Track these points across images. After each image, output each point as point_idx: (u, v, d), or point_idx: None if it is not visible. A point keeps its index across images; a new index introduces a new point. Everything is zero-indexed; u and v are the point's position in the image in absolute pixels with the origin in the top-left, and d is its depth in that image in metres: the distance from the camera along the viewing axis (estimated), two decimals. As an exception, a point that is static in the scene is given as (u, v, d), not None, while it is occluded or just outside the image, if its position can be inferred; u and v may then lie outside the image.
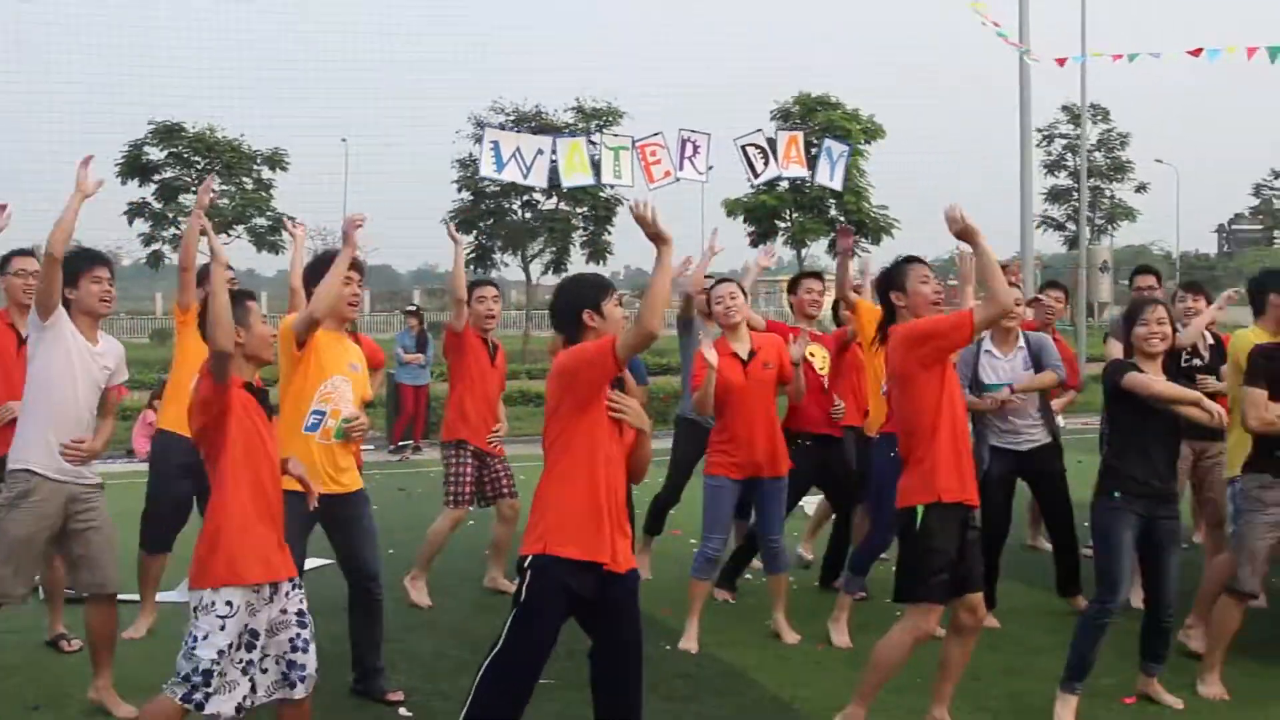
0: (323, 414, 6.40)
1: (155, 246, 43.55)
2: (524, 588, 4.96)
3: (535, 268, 45.57)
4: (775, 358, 7.66)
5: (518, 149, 14.79)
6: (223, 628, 4.96)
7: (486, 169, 15.22)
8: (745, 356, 7.63)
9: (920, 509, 5.74)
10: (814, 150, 16.59)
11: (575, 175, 15.13)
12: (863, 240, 43.69)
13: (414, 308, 22.37)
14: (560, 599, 4.95)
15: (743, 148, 15.64)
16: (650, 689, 6.68)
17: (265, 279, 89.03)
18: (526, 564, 4.97)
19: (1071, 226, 46.22)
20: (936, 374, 5.78)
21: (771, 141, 15.23)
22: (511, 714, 4.95)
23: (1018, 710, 6.40)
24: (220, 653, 4.93)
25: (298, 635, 5.21)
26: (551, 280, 52.58)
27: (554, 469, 5.05)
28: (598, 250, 44.75)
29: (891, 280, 6.32)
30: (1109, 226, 53.17)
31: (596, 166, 14.73)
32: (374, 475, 12.41)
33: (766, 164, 16.16)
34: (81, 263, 6.52)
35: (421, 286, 77.77)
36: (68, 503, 6.37)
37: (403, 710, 6.52)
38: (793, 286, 8.97)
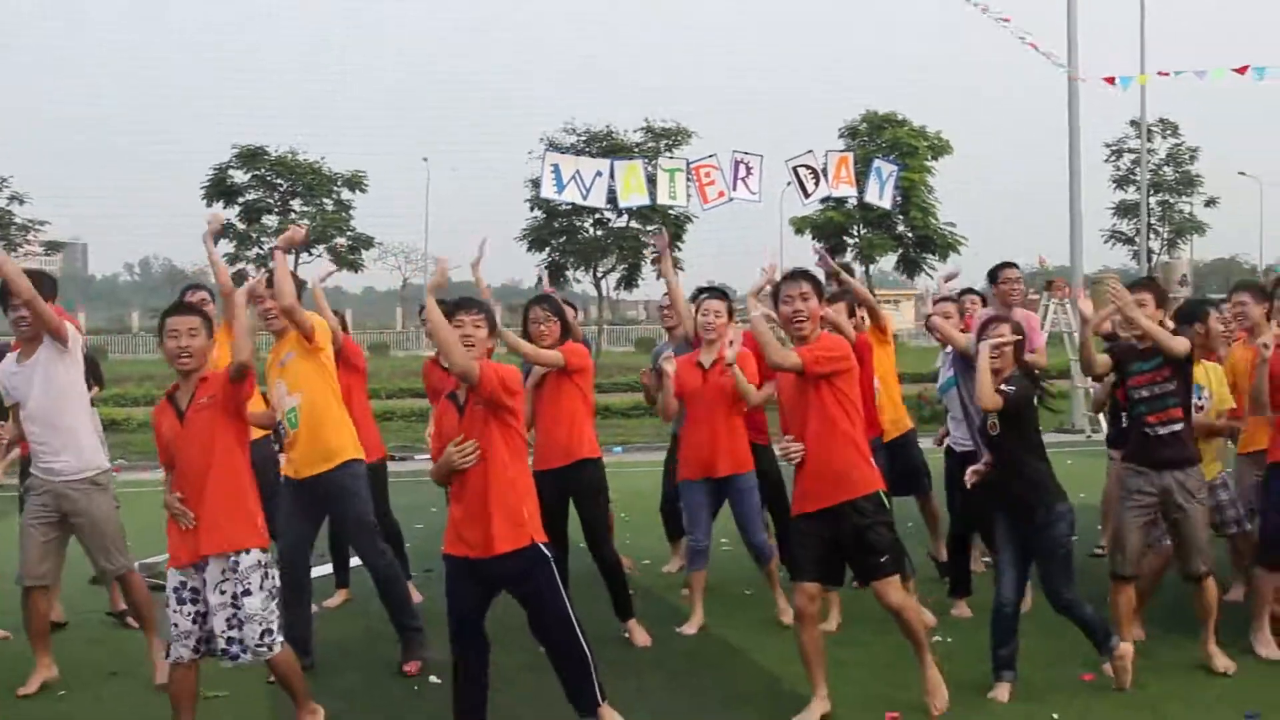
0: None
1: (240, 266, 44.82)
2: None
3: (606, 284, 46.43)
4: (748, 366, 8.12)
5: (577, 171, 15.52)
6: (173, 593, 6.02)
7: (547, 190, 15.95)
8: (707, 365, 8.33)
9: None
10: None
11: (632, 196, 15.85)
12: (929, 256, 44.21)
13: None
14: None
15: (794, 169, 16.30)
16: (656, 665, 7.55)
17: (352, 296, 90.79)
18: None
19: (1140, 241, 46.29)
20: None
21: (823, 168, 15.92)
22: None
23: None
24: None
25: (232, 615, 6.00)
26: (624, 296, 53.45)
27: None
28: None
29: None
30: (1178, 240, 53.19)
31: (654, 186, 15.46)
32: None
33: (817, 184, 16.84)
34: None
35: (503, 303, 78.82)
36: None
37: (433, 678, 7.25)
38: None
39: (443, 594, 8.67)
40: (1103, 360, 7.30)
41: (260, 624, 6.00)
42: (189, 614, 6.00)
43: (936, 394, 8.81)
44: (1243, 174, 71.19)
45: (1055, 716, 6.49)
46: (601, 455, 8.21)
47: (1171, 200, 52.35)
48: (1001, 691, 6.80)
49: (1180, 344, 7.02)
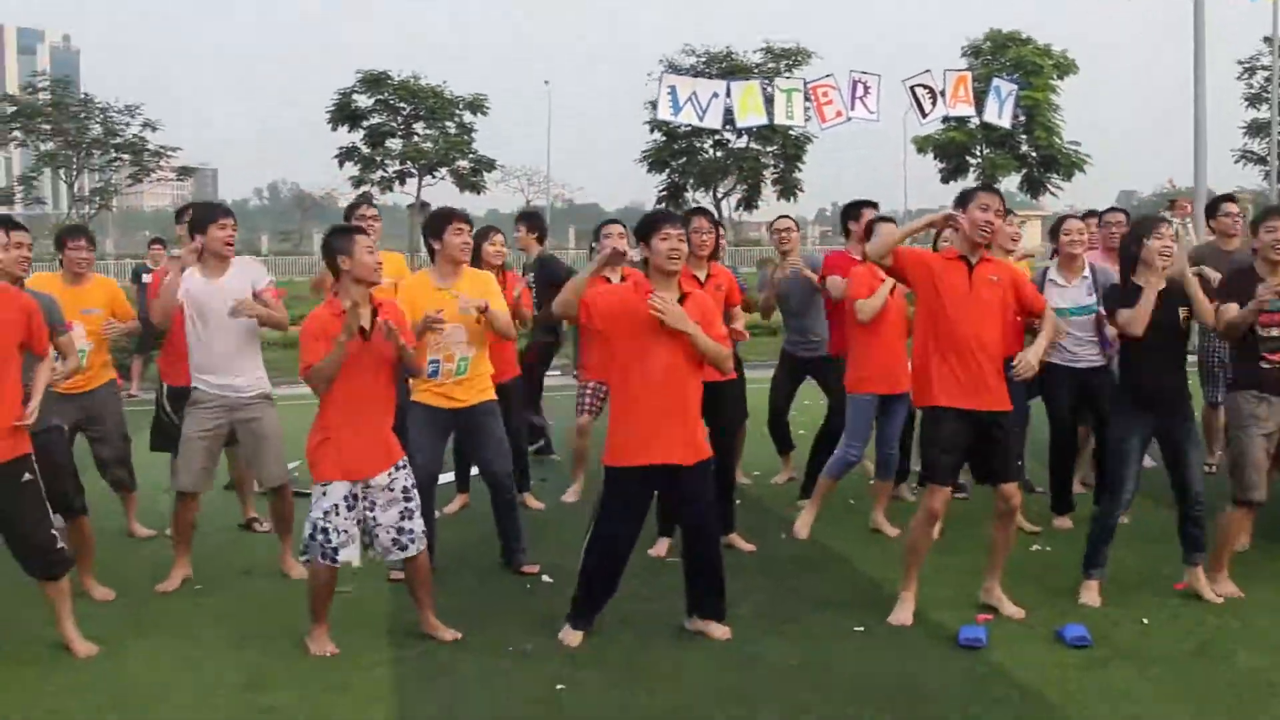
0: (437, 362, 7.63)
1: (365, 188, 45.62)
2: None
3: (726, 205, 46.52)
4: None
5: (694, 93, 15.73)
6: (327, 501, 6.38)
7: (664, 112, 16.23)
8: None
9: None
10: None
11: (750, 116, 16.03)
12: (1054, 176, 43.69)
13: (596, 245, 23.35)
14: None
15: (911, 89, 16.32)
16: (761, 570, 7.87)
17: (477, 218, 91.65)
18: None
19: (1277, 162, 45.21)
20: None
21: (941, 89, 15.91)
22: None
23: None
24: (325, 513, 6.34)
25: (405, 508, 6.48)
26: (745, 216, 53.45)
27: None
28: (788, 188, 45.51)
29: None
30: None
31: (771, 107, 15.58)
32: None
33: (935, 104, 16.85)
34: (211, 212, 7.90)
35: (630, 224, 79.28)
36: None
37: (545, 577, 7.68)
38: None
39: (560, 503, 9.15)
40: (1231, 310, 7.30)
41: (420, 513, 6.56)
42: (355, 520, 6.43)
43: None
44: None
45: (1145, 620, 6.69)
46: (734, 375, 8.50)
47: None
48: (1091, 593, 7.04)
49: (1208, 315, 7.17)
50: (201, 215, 7.84)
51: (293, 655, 6.42)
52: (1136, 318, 6.88)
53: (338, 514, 6.35)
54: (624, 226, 9.15)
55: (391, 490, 6.45)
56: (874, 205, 9.35)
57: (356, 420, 6.35)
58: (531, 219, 11.27)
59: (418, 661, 6.34)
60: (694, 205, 47.83)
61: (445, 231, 7.63)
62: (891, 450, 8.79)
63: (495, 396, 7.90)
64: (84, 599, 7.22)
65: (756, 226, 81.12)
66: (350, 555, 6.42)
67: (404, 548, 6.50)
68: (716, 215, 30.30)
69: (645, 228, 6.47)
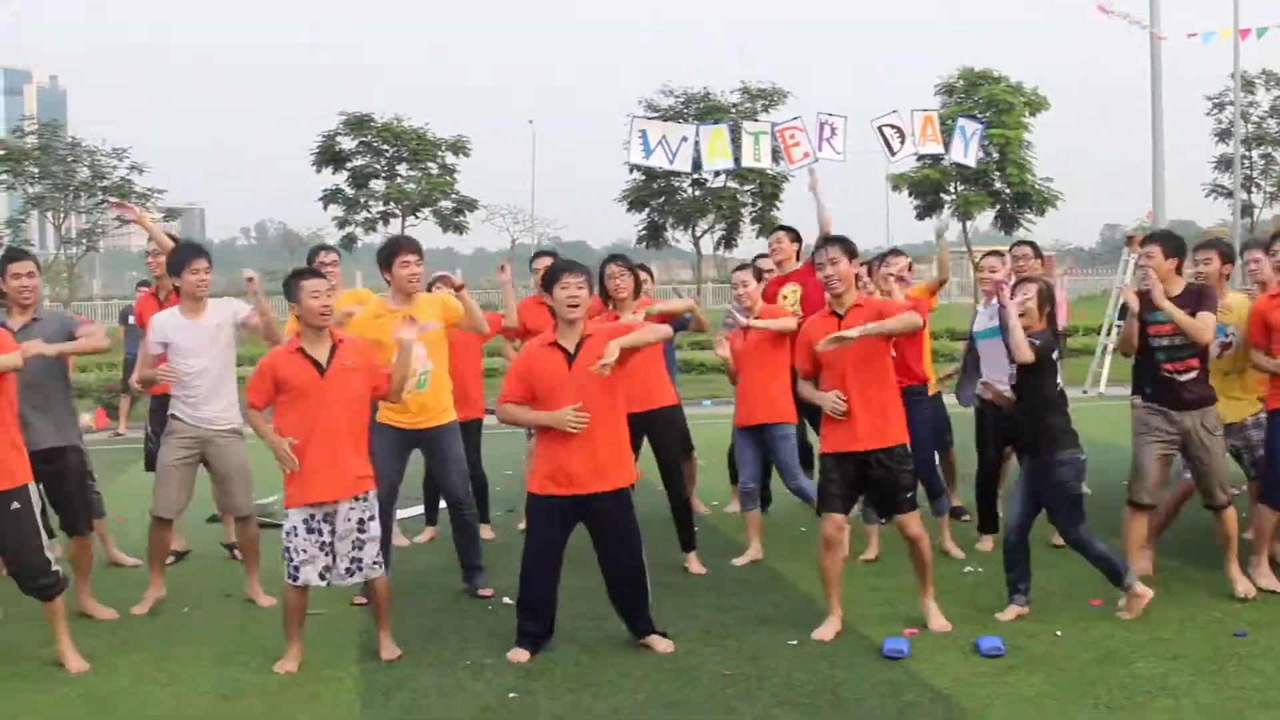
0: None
1: (349, 229, 46.16)
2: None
3: (705, 244, 47.09)
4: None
5: (664, 136, 16.20)
6: (288, 523, 6.94)
7: (635, 156, 16.68)
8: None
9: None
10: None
11: (717, 160, 16.51)
12: (1026, 212, 44.30)
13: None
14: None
15: (879, 128, 16.86)
16: (708, 589, 8.45)
17: (463, 257, 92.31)
18: None
19: (1243, 195, 45.90)
20: None
21: (908, 127, 16.43)
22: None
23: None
24: (287, 534, 6.90)
25: (357, 539, 6.97)
26: (723, 255, 54.10)
27: None
28: (766, 225, 46.05)
29: None
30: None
31: (739, 149, 16.09)
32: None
33: (902, 143, 17.38)
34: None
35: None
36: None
37: (505, 599, 8.11)
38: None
39: (516, 531, 9.67)
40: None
41: (376, 545, 7.05)
42: (316, 542, 6.94)
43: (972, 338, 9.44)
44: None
45: (1058, 633, 7.21)
46: (677, 402, 9.09)
47: (1274, 153, 51.69)
48: (1008, 612, 7.54)
49: (1203, 334, 7.61)
50: (176, 259, 8.34)
51: (267, 671, 6.94)
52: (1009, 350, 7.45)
53: (296, 535, 6.90)
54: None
55: (349, 521, 6.96)
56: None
57: (317, 449, 6.86)
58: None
59: (381, 675, 6.86)
60: (672, 243, 48.58)
61: (393, 264, 8.10)
62: (792, 481, 9.28)
63: (455, 418, 8.40)
64: (81, 618, 7.86)
65: (736, 264, 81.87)
66: (309, 575, 6.92)
67: (352, 574, 7.02)
68: (698, 253, 30.21)
69: (548, 279, 7.02)
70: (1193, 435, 7.76)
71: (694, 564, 8.94)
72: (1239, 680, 6.38)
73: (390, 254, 8.14)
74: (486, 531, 10.04)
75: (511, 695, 6.47)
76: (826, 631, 7.30)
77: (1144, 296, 7.83)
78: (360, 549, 7.00)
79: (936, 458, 9.67)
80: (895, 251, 9.89)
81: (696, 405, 19.26)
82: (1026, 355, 7.27)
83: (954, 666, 6.72)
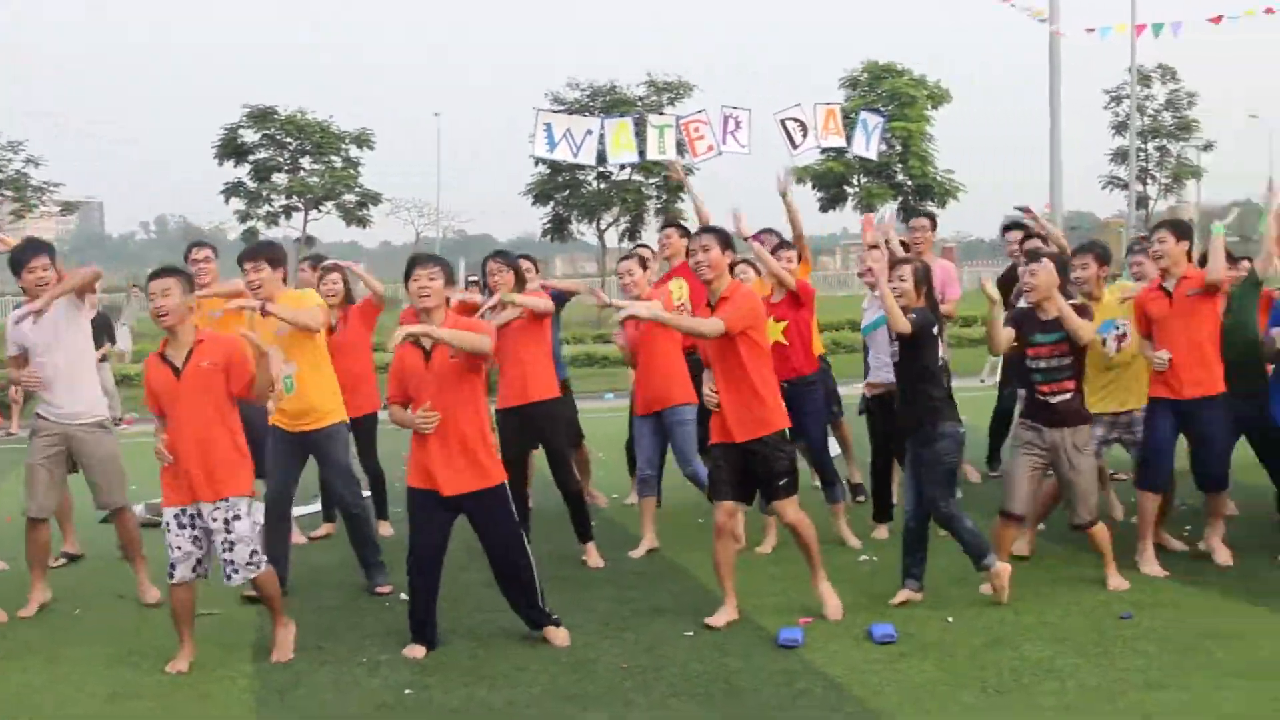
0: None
1: (250, 223, 45.74)
2: None
3: (610, 237, 47.12)
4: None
5: (568, 130, 16.21)
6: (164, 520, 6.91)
7: (539, 149, 16.65)
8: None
9: None
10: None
11: (622, 153, 16.53)
12: (929, 204, 44.82)
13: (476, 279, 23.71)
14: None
15: (781, 122, 16.93)
16: (606, 581, 8.47)
17: (368, 250, 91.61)
18: None
19: (1138, 187, 46.82)
20: None
21: (811, 121, 16.49)
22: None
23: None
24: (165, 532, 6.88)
25: (225, 540, 6.87)
26: (626, 247, 54.17)
27: None
28: (671, 218, 46.17)
29: None
30: (1174, 186, 53.59)
31: (644, 143, 16.10)
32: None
33: (805, 137, 17.48)
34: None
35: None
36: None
37: (403, 595, 7.91)
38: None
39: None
40: (1006, 336, 7.89)
41: (248, 545, 6.90)
42: (189, 537, 6.87)
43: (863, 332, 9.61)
44: (1254, 116, 71.70)
45: (950, 619, 7.32)
46: (559, 395, 9.07)
47: (1169, 145, 52.74)
48: (900, 596, 7.66)
49: (1087, 332, 7.69)
50: (15, 258, 8.19)
51: (159, 671, 6.87)
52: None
53: (170, 532, 6.86)
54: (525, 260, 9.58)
55: (215, 521, 6.86)
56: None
57: (180, 449, 6.82)
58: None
59: (276, 673, 6.82)
60: (577, 236, 48.56)
61: (243, 274, 8.19)
62: (686, 467, 9.35)
63: (336, 421, 8.35)
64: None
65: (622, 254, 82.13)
66: (183, 573, 6.88)
67: (228, 577, 6.94)
68: (603, 246, 30.18)
69: (406, 273, 7.10)
70: (1061, 452, 7.78)
71: (593, 556, 8.96)
72: (1124, 662, 6.51)
73: (240, 263, 8.24)
74: (385, 528, 10.01)
75: (407, 691, 6.45)
76: (720, 619, 7.35)
77: (1028, 314, 7.92)
78: (230, 550, 6.88)
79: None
80: (785, 244, 9.84)
81: (598, 399, 19.35)
82: (903, 326, 7.42)
83: (847, 654, 6.80)
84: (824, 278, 60.76)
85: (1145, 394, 8.46)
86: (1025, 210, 10.11)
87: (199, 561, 6.92)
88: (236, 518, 6.88)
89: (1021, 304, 8.09)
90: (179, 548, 6.86)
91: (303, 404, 8.20)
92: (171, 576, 6.89)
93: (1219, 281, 7.99)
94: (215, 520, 6.85)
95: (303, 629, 7.30)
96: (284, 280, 8.21)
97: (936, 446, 7.54)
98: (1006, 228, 11.01)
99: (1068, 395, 7.76)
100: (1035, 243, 9.73)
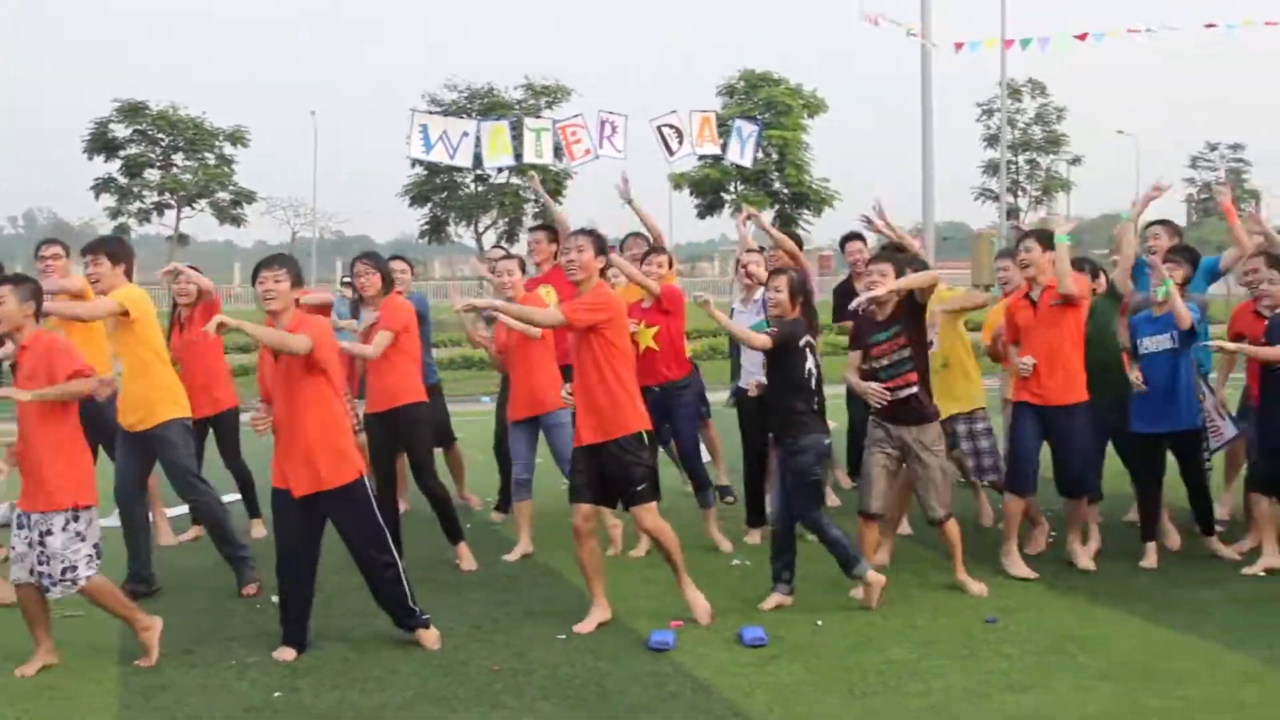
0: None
1: (121, 220, 44.92)
2: None
3: (487, 239, 47.01)
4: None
5: (445, 131, 16.14)
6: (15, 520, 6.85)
7: (415, 151, 16.56)
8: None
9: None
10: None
11: (499, 156, 16.52)
12: (804, 212, 45.38)
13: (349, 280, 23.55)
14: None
15: (658, 128, 17.01)
16: (479, 585, 8.48)
17: (243, 249, 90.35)
18: None
19: (1009, 198, 47.74)
20: None
21: (684, 130, 16.60)
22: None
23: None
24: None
25: (40, 553, 6.73)
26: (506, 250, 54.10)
27: None
28: (548, 221, 46.19)
29: None
30: (1044, 198, 54.78)
31: (520, 146, 16.10)
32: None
33: (681, 143, 17.59)
34: None
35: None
36: None
37: (274, 597, 7.84)
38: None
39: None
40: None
41: (61, 562, 6.73)
42: (24, 539, 6.77)
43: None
44: (1120, 132, 73.58)
45: (819, 623, 7.43)
46: (424, 399, 9.01)
47: (1038, 159, 53.90)
48: (770, 601, 7.74)
49: (926, 279, 7.87)
50: None
51: (13, 675, 6.75)
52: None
53: (8, 530, 6.82)
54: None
55: (34, 531, 6.75)
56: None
57: (21, 452, 6.80)
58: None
59: (142, 677, 6.73)
60: (455, 239, 48.39)
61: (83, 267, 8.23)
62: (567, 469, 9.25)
63: (166, 419, 8.23)
64: None
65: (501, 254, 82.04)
66: (18, 574, 6.78)
67: (46, 590, 6.79)
68: (480, 248, 30.07)
69: (253, 275, 7.08)
70: (910, 449, 7.95)
71: (465, 559, 8.93)
72: (989, 664, 6.67)
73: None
74: (258, 528, 9.89)
75: (277, 694, 6.40)
76: (588, 623, 7.40)
77: (861, 323, 8.07)
78: (45, 564, 6.73)
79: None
80: (654, 250, 9.83)
81: (474, 402, 19.28)
82: (757, 344, 7.64)
83: (717, 657, 6.87)
84: (702, 284, 61.15)
85: (966, 400, 9.01)
86: (867, 220, 10.26)
87: (33, 566, 6.77)
88: (48, 533, 6.72)
89: (855, 304, 8.14)
90: (14, 548, 6.81)
91: (131, 402, 8.18)
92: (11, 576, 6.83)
93: (1072, 293, 8.19)
94: (34, 531, 6.75)
95: (171, 632, 7.18)
96: (128, 275, 8.13)
97: (799, 460, 7.65)
98: (846, 239, 11.14)
99: (911, 389, 7.88)
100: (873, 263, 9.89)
